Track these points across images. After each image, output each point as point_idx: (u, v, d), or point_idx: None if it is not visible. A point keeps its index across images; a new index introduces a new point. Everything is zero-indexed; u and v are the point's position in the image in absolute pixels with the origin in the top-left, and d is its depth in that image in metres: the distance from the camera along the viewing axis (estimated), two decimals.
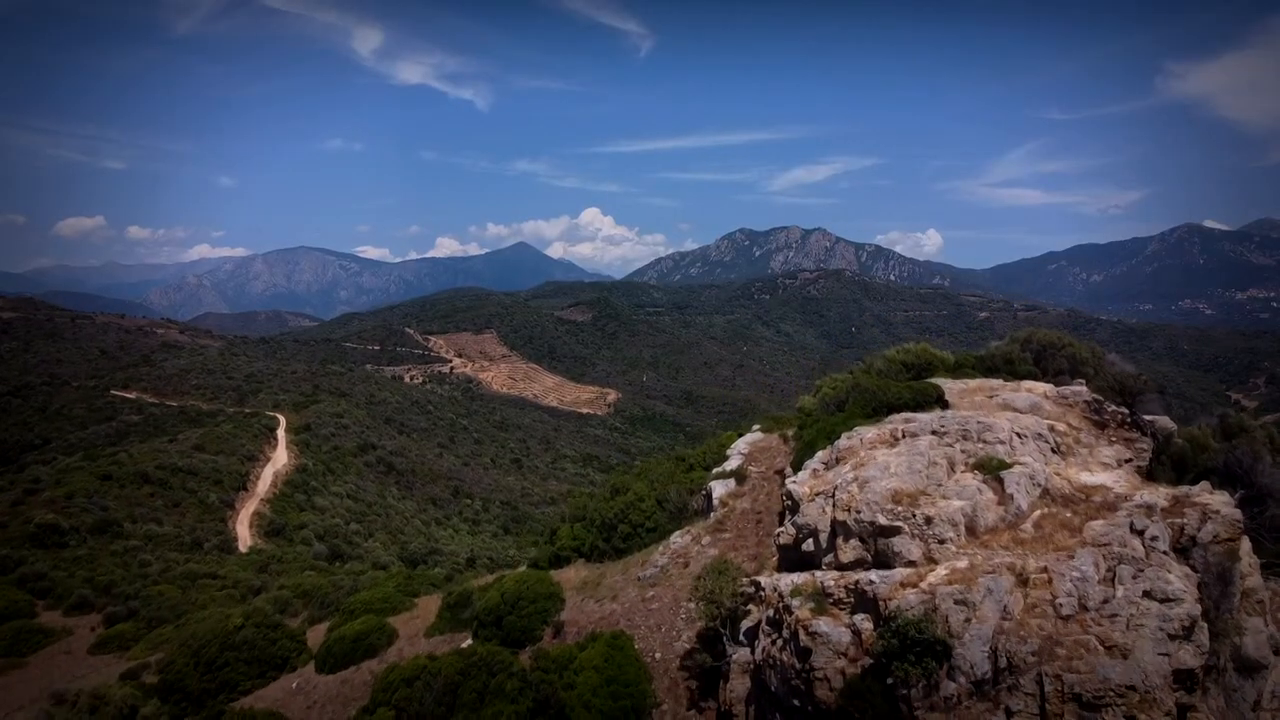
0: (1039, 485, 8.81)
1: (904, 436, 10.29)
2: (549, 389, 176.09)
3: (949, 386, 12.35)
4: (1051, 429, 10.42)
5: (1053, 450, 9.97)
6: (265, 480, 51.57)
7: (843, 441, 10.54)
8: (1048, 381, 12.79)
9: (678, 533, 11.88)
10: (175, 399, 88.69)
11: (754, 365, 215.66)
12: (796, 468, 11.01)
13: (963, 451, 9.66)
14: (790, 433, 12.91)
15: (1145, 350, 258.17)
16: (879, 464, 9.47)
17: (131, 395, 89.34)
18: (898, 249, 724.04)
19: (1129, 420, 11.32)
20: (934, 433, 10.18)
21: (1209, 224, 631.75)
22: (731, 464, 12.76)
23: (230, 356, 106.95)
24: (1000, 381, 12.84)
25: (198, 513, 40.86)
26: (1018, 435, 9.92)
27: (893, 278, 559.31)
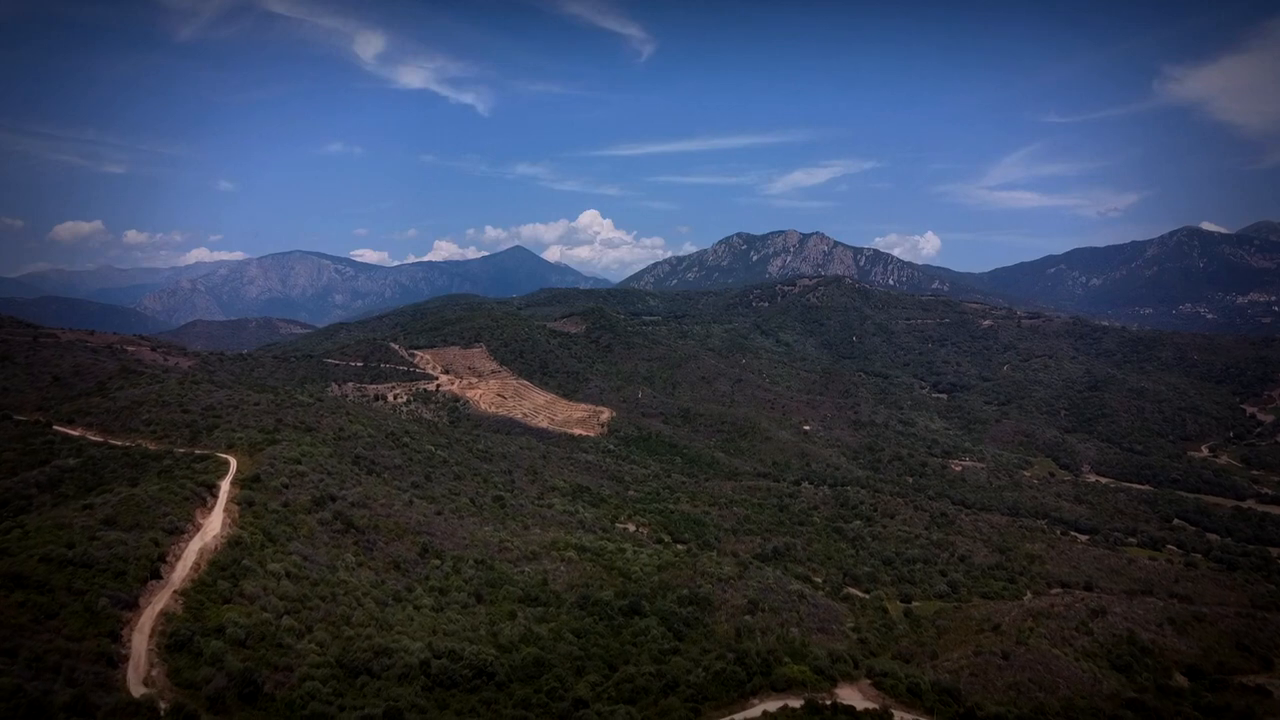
0: None
1: None
2: (539, 407, 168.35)
3: None
4: None
5: None
6: (188, 560, 43.91)
7: None
8: None
9: None
10: (122, 436, 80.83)
11: (753, 379, 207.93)
12: None
13: None
14: None
15: (1154, 360, 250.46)
16: None
17: (75, 432, 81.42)
18: (896, 252, 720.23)
19: None
20: None
21: (1207, 226, 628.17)
22: None
23: (191, 385, 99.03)
24: None
25: (78, 625, 33.23)
26: None
27: (891, 282, 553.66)
